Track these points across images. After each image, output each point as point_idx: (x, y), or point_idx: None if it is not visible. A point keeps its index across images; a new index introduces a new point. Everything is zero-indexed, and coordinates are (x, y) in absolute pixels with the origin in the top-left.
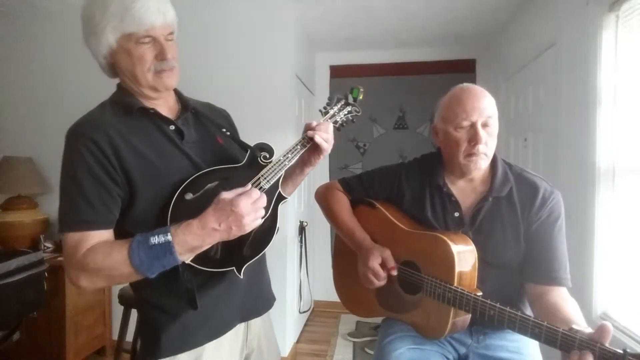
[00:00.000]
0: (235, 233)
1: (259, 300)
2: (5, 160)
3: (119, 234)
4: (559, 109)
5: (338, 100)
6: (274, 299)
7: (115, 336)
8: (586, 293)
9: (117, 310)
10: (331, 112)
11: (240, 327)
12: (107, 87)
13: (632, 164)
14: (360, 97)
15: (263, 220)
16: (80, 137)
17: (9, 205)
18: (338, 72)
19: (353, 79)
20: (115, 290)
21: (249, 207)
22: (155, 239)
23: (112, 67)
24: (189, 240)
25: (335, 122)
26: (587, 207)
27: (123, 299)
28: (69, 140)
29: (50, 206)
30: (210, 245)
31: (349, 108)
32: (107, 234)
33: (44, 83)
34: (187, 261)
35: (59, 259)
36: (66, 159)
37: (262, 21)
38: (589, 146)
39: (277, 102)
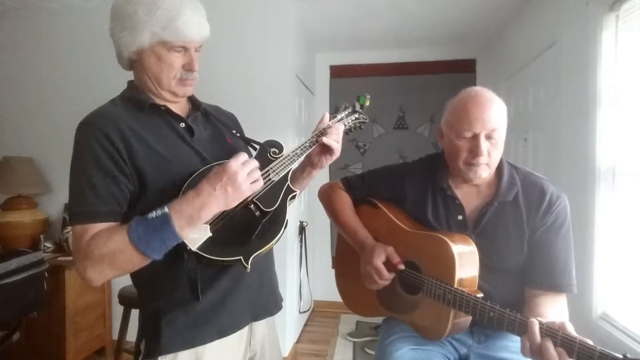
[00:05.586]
0: (232, 196)
1: (271, 300)
2: (5, 160)
3: None
4: (559, 109)
5: (346, 108)
6: (282, 300)
7: (115, 336)
8: (586, 293)
9: (117, 310)
10: (339, 117)
11: (244, 329)
12: (107, 87)
13: (632, 165)
14: (367, 104)
15: (264, 188)
16: (91, 128)
17: (9, 205)
18: (338, 72)
19: (353, 79)
20: (115, 290)
21: (239, 166)
22: (153, 214)
23: (133, 63)
24: (185, 209)
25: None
26: (587, 207)
27: (123, 298)
28: (80, 132)
29: (50, 206)
30: (208, 217)
31: (356, 115)
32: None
33: (44, 83)
34: (193, 248)
35: (59, 259)
36: (76, 151)
37: (262, 21)
38: (589, 146)
39: (277, 102)
